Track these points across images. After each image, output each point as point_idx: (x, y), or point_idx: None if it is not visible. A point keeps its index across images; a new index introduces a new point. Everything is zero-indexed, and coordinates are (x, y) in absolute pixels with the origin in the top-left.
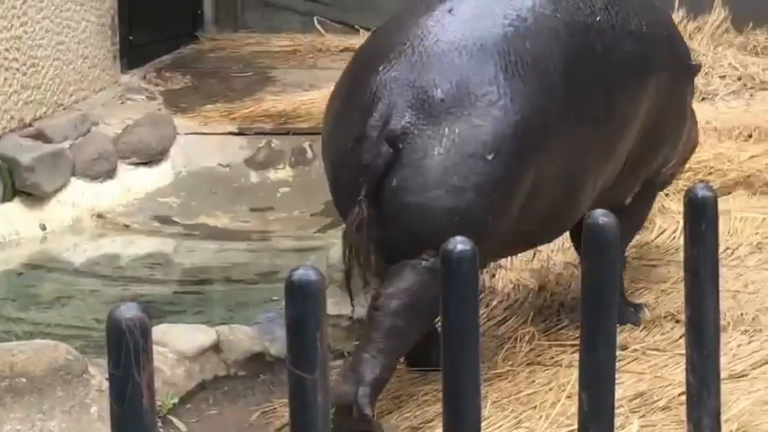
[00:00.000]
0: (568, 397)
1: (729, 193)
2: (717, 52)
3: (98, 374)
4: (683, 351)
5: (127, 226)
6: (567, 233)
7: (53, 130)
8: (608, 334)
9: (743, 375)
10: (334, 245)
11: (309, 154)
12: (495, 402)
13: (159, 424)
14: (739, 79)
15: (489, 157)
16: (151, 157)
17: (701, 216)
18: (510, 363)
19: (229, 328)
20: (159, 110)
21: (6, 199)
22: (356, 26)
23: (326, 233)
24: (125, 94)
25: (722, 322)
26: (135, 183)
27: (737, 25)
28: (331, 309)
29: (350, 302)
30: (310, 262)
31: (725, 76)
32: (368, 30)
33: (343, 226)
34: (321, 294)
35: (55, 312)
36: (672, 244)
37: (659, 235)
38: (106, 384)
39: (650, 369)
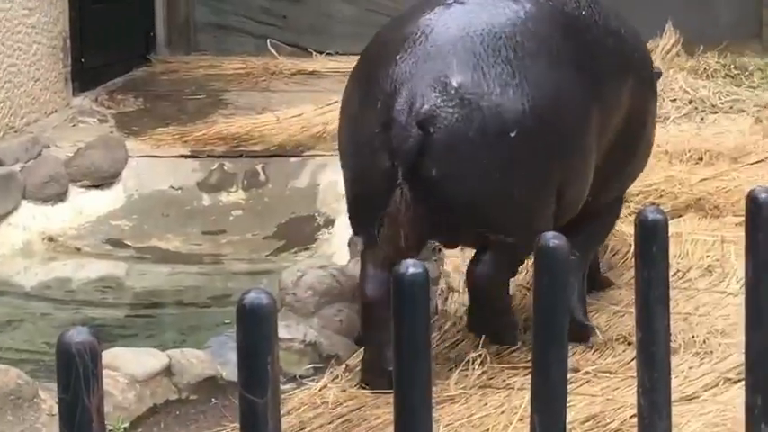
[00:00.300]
0: (521, 420)
1: (680, 215)
2: (668, 75)
3: (49, 399)
4: (635, 373)
5: (78, 249)
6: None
7: (4, 153)
8: (559, 356)
9: (694, 397)
10: (286, 267)
11: (262, 177)
12: (447, 425)
13: None
14: (690, 102)
15: (512, 135)
16: (103, 180)
17: (651, 239)
18: (462, 386)
19: (181, 352)
20: (111, 132)
21: None
22: (309, 49)
23: (279, 256)
24: (77, 117)
25: (673, 344)
26: (86, 206)
27: (688, 49)
28: (283, 332)
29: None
30: (263, 285)
31: (676, 100)
32: (321, 53)
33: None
34: (273, 318)
35: (6, 336)
36: (623, 266)
37: (611, 257)
38: (57, 409)
39: (602, 391)
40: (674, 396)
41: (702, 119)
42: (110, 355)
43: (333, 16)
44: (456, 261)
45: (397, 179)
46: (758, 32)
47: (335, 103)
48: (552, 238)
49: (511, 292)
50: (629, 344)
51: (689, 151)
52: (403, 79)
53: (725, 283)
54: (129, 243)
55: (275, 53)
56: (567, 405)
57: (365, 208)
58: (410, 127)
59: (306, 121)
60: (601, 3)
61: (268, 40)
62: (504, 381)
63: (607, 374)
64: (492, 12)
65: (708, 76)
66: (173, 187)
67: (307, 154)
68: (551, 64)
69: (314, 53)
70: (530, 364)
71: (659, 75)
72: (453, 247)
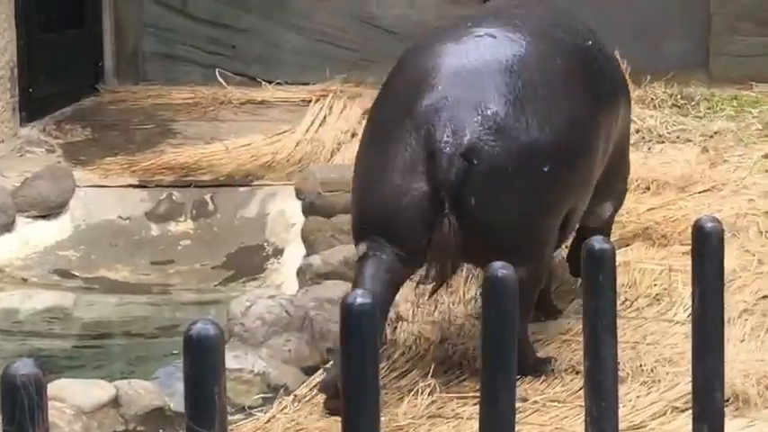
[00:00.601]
0: None
1: (628, 244)
2: None
3: None
4: (583, 402)
5: (25, 280)
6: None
7: None
8: (508, 385)
9: (642, 426)
10: (235, 297)
11: (211, 206)
12: None
13: None
14: (637, 132)
15: (545, 168)
16: (50, 210)
17: (599, 268)
18: (411, 416)
19: (128, 383)
20: (59, 162)
21: None
22: (258, 78)
23: (228, 286)
24: (24, 147)
25: (621, 373)
26: (34, 236)
27: (635, 78)
28: (231, 362)
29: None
30: (211, 315)
31: None
32: (270, 82)
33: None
34: (219, 348)
35: None
36: (571, 295)
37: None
38: None
39: (550, 421)
40: (621, 425)
41: (650, 148)
42: (56, 387)
43: (282, 46)
44: (405, 291)
45: (444, 209)
46: (705, 62)
47: (285, 132)
48: (500, 268)
49: (461, 322)
50: (578, 373)
51: (636, 180)
52: (446, 110)
53: (672, 311)
54: (76, 273)
55: (224, 83)
56: None
57: (398, 227)
58: (455, 158)
59: (255, 151)
60: (593, 29)
61: (217, 70)
62: (453, 410)
63: (555, 404)
64: (523, 46)
65: (655, 105)
66: (121, 217)
67: (255, 183)
68: (575, 99)
69: (263, 83)
70: (478, 394)
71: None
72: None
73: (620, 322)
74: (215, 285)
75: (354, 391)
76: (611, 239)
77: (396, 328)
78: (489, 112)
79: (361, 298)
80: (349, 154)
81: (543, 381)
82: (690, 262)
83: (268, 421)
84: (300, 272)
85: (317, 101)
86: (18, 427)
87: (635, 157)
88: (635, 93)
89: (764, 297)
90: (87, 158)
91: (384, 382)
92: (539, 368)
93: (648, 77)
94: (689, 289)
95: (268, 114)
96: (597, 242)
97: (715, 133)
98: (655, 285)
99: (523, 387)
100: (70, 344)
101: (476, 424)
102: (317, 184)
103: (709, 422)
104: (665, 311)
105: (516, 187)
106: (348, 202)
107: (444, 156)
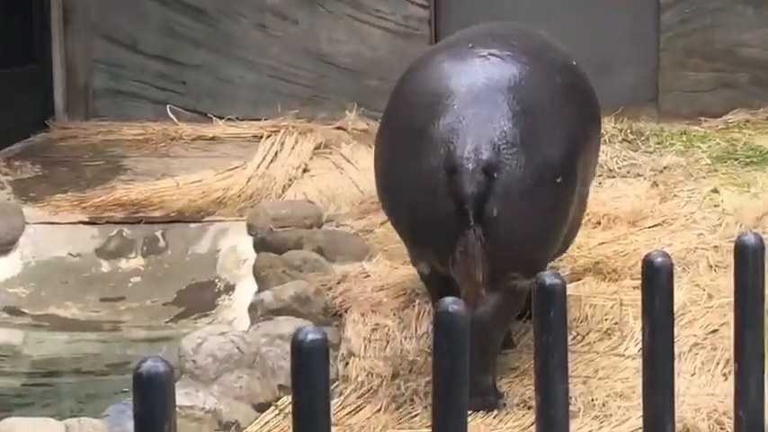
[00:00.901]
0: None
1: (579, 279)
2: None
3: None
4: None
5: None
6: None
7: None
8: (459, 422)
9: None
10: (186, 334)
11: (162, 242)
12: None
13: None
14: None
15: (558, 180)
16: None
17: (549, 303)
18: None
19: (78, 422)
20: (8, 199)
21: None
22: (209, 114)
23: (179, 322)
24: None
25: (573, 408)
26: None
27: None
28: (182, 399)
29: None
30: (162, 352)
31: None
32: (221, 118)
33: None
34: (170, 386)
35: None
36: (523, 329)
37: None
38: None
39: None
40: None
41: (600, 183)
42: (6, 426)
43: (233, 82)
44: (357, 326)
45: (468, 221)
46: (654, 97)
47: (236, 168)
48: (451, 304)
49: (413, 357)
50: (529, 408)
51: (587, 215)
52: (466, 128)
53: (623, 346)
54: (26, 311)
55: (175, 119)
56: None
57: (427, 244)
58: (477, 173)
59: (206, 187)
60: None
61: (167, 106)
62: None
63: None
64: (525, 65)
65: (605, 140)
66: (71, 254)
67: (207, 219)
68: (574, 114)
69: (214, 118)
70: (430, 430)
71: None
72: None
73: (571, 357)
74: (166, 322)
75: (305, 429)
76: (563, 273)
77: (347, 363)
78: (505, 127)
79: (312, 334)
80: (301, 189)
81: (495, 416)
82: (640, 296)
83: None
84: (252, 308)
85: (269, 136)
86: None
87: None
88: None
89: (714, 331)
90: (37, 195)
91: (336, 419)
92: (490, 392)
93: None
94: (640, 323)
95: (219, 150)
96: (548, 277)
97: (665, 168)
98: (606, 320)
99: (475, 422)
100: (19, 382)
101: None
102: (269, 220)
103: None
104: (616, 346)
105: (534, 197)
106: (299, 239)
107: (466, 171)
